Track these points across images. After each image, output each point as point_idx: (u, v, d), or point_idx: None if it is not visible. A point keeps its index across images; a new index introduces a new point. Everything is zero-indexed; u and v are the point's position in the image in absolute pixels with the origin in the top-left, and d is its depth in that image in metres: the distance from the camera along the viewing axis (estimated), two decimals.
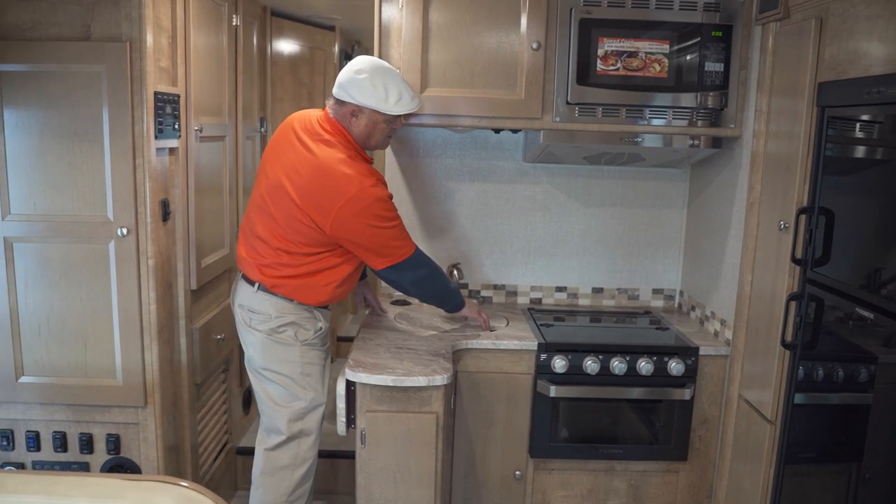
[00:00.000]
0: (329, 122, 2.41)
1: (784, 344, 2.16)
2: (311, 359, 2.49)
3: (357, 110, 2.37)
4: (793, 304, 2.14)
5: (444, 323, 2.82)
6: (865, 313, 1.85)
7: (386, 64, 2.44)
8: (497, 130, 2.93)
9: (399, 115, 2.43)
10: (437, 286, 2.61)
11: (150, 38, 2.30)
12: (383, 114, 2.38)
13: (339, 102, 2.40)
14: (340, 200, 2.28)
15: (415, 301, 3.11)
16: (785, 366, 2.20)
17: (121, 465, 2.51)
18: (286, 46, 4.04)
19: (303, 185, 2.32)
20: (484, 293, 3.20)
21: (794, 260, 2.13)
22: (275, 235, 2.39)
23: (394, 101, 2.37)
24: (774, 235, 2.27)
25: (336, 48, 4.33)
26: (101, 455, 2.51)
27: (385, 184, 2.44)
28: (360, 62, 2.40)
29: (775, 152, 2.31)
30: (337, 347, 4.89)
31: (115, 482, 1.57)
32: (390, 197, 2.41)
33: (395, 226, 2.41)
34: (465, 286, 3.16)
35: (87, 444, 2.48)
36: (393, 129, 2.46)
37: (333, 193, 2.29)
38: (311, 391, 2.49)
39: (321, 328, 2.52)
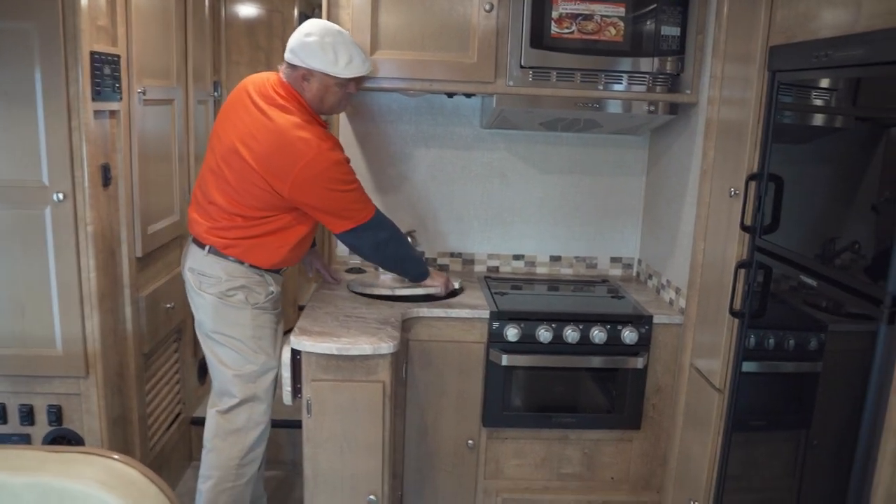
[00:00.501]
0: (283, 86, 2.36)
1: (732, 312, 2.15)
2: (262, 322, 2.47)
3: (308, 74, 2.33)
4: (741, 272, 2.12)
5: (398, 290, 2.77)
6: (812, 282, 1.83)
7: (336, 27, 2.37)
8: (450, 95, 2.87)
9: (351, 79, 2.38)
10: (399, 252, 2.58)
11: None
12: (334, 77, 2.33)
13: (291, 67, 2.35)
14: (298, 164, 2.25)
15: (369, 269, 3.06)
16: (734, 334, 2.19)
17: (63, 437, 2.45)
18: (242, 8, 3.92)
19: (260, 151, 2.28)
20: (440, 261, 3.16)
21: (744, 227, 2.10)
22: (230, 200, 2.35)
23: (344, 64, 2.32)
24: (725, 203, 2.24)
25: (296, 11, 4.22)
26: (42, 426, 2.45)
27: (341, 147, 2.40)
28: (309, 25, 2.34)
29: (728, 118, 2.27)
30: (299, 316, 4.83)
31: (36, 454, 1.52)
32: (347, 161, 2.38)
33: (354, 189, 2.38)
34: (421, 254, 3.11)
35: (27, 415, 2.42)
36: (347, 93, 2.42)
37: (291, 158, 2.26)
38: (263, 355, 2.46)
39: (272, 292, 2.49)
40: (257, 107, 2.33)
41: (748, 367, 2.14)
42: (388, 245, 2.52)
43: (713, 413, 2.28)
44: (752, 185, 2.07)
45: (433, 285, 2.72)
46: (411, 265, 2.66)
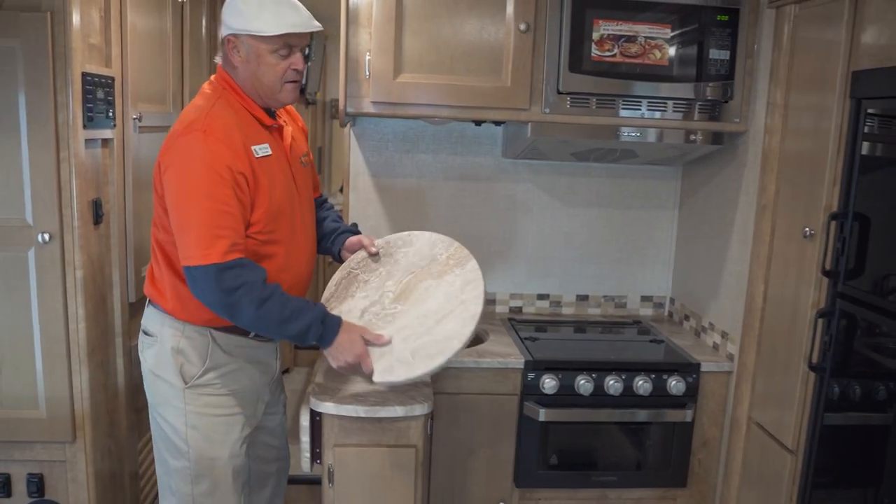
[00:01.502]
0: (218, 73, 1.89)
1: (811, 366, 1.92)
2: (199, 406, 1.87)
3: (233, 40, 1.81)
4: (821, 322, 1.90)
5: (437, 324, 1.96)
6: None
7: None
8: (478, 122, 2.64)
9: (290, 44, 1.80)
10: (246, 316, 1.75)
11: (76, 10, 1.95)
12: (261, 37, 1.77)
13: (221, 43, 1.87)
14: (166, 152, 1.76)
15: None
16: (809, 389, 1.96)
17: None
18: None
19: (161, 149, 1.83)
20: None
21: (824, 272, 1.88)
22: (153, 221, 1.90)
23: (269, 17, 1.75)
24: (796, 243, 2.02)
25: None
26: (21, 498, 2.15)
27: (234, 152, 1.73)
28: None
29: (796, 150, 2.06)
30: (294, 356, 4.55)
31: None
32: (236, 172, 1.72)
33: (214, 210, 1.69)
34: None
35: (4, 486, 2.13)
36: (292, 67, 1.82)
37: (164, 146, 1.78)
38: (195, 451, 1.87)
39: (212, 366, 1.86)
40: None
41: (828, 425, 1.92)
42: (234, 309, 1.74)
43: (784, 474, 2.04)
44: (833, 224, 1.85)
45: (340, 360, 1.85)
46: (288, 328, 1.79)
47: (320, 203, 2.23)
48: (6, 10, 1.89)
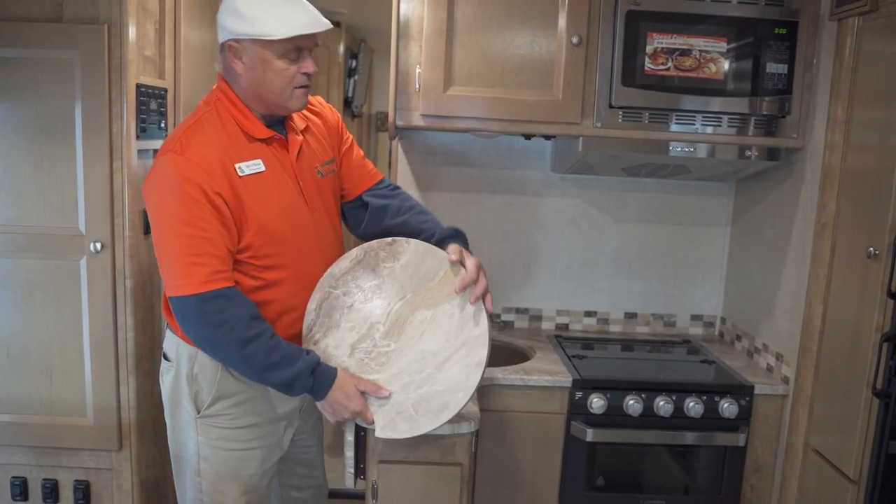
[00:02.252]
0: (218, 82, 1.73)
1: (875, 392, 1.84)
2: (211, 439, 1.75)
3: (236, 47, 1.64)
4: (885, 346, 1.83)
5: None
6: None
7: None
8: (528, 137, 2.61)
9: (299, 47, 1.66)
10: (230, 357, 1.66)
11: (132, 22, 1.97)
12: (268, 41, 1.61)
13: (220, 51, 1.70)
14: (147, 175, 1.66)
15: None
16: (872, 416, 1.88)
17: None
18: None
19: None
20: (505, 317, 2.87)
21: (890, 294, 1.81)
22: None
23: (275, 19, 1.60)
24: (859, 263, 1.95)
25: (341, 46, 4.01)
26: None
27: (209, 171, 1.60)
28: None
29: (859, 168, 1.99)
30: None
31: None
32: (211, 193, 1.58)
33: (189, 235, 1.56)
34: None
35: (51, 492, 2.15)
36: (302, 71, 1.67)
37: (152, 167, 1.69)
38: (207, 483, 1.76)
39: (221, 394, 1.74)
40: None
41: (892, 454, 1.84)
42: (216, 347, 1.65)
43: None
44: None
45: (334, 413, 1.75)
46: (274, 376, 1.66)
47: (380, 189, 2.01)
48: (66, 22, 1.92)
